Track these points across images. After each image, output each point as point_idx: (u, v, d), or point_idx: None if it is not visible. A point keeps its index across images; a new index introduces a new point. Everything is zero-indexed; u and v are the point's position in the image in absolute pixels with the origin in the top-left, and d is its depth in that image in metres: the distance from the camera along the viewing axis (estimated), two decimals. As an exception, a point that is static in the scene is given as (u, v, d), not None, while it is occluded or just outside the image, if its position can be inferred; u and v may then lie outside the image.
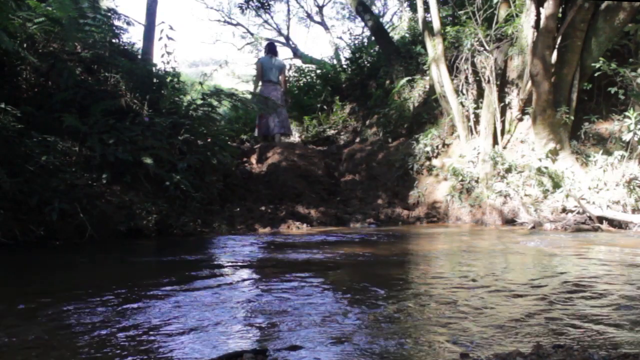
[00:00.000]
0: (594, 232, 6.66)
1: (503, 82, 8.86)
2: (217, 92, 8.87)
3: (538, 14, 7.79)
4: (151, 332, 2.60)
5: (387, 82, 11.83)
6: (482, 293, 3.38)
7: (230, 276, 4.20)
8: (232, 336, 2.55)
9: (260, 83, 10.65)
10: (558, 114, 7.79)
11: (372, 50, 13.52)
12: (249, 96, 9.21)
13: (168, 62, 8.49)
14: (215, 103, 8.52)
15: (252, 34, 22.64)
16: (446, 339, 2.45)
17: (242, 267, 4.60)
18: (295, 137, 12.68)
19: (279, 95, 10.67)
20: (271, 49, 11.00)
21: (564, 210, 7.23)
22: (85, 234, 5.86)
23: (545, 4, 7.57)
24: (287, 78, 10.60)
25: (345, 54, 16.56)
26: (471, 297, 3.25)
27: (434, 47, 9.36)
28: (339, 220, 7.92)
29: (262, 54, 14.62)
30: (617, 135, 7.68)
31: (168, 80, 8.28)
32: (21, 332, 2.61)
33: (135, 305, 3.10)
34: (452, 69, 9.20)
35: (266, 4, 17.10)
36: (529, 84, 8.00)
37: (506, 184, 7.84)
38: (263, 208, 7.92)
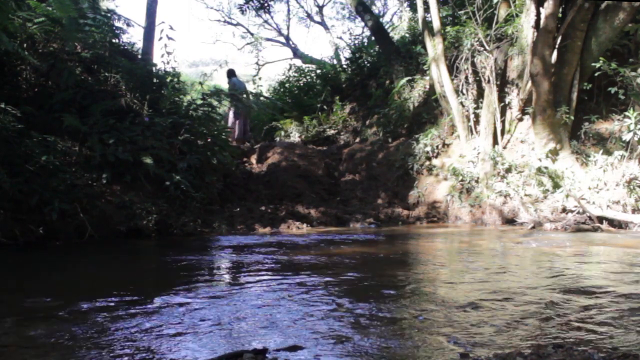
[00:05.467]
0: (594, 232, 6.66)
1: (503, 82, 8.86)
2: (217, 92, 8.88)
3: (538, 14, 7.79)
4: (151, 332, 2.60)
5: (387, 82, 11.83)
6: (482, 293, 3.38)
7: (230, 277, 4.20)
8: (232, 336, 2.55)
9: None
10: (558, 114, 7.79)
11: (372, 50, 13.52)
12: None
13: (168, 62, 8.50)
14: (215, 103, 8.52)
15: (252, 34, 22.63)
16: (446, 339, 2.45)
17: (242, 267, 4.60)
18: (295, 137, 12.69)
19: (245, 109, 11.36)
20: (234, 73, 11.63)
21: (564, 210, 7.23)
22: (85, 234, 5.86)
23: (545, 4, 7.57)
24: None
25: (345, 54, 16.57)
26: (471, 297, 3.25)
27: (434, 47, 9.36)
28: (339, 220, 7.92)
29: (262, 54, 15.04)
30: (617, 135, 7.68)
31: (168, 80, 8.28)
32: (21, 332, 2.61)
33: (135, 306, 3.10)
34: (452, 69, 9.20)
35: (266, 5, 17.08)
36: (529, 84, 8.00)
37: (506, 184, 7.84)
38: (263, 208, 7.92)
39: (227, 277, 4.14)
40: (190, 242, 6.06)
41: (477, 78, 8.99)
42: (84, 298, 3.26)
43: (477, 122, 8.86)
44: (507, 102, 8.73)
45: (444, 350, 2.31)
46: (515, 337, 2.48)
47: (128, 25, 8.99)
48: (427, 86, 10.33)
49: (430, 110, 10.15)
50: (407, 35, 13.25)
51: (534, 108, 7.83)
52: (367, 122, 11.85)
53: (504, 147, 8.41)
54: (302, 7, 22.87)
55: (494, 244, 5.93)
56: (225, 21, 23.06)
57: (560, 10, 7.91)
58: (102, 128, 6.71)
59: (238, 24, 22.86)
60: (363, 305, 3.09)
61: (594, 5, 7.65)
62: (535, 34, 7.77)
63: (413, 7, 12.92)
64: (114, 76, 7.81)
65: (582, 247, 5.49)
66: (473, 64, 8.95)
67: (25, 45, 6.92)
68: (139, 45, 10.96)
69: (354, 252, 5.27)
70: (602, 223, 6.90)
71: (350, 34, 20.59)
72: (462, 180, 8.38)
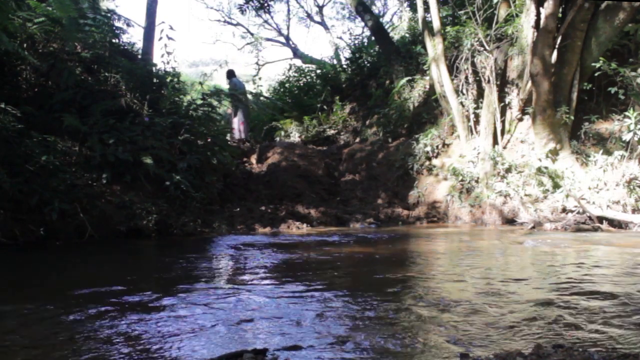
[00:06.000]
0: (594, 232, 6.65)
1: (503, 82, 8.86)
2: (217, 92, 8.88)
3: (538, 14, 7.79)
4: (151, 332, 2.60)
5: (387, 82, 11.83)
6: (482, 293, 3.38)
7: (230, 277, 4.20)
8: (232, 336, 2.55)
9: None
10: (558, 114, 7.79)
11: (372, 50, 13.52)
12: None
13: (168, 62, 8.50)
14: (215, 103, 8.52)
15: (252, 34, 22.62)
16: (446, 339, 2.45)
17: (241, 267, 4.60)
18: (295, 137, 12.69)
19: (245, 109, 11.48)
20: (234, 74, 11.64)
21: (564, 210, 7.23)
22: (85, 234, 5.86)
23: (545, 4, 7.57)
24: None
25: (345, 54, 16.57)
26: (471, 298, 3.25)
27: (434, 47, 9.36)
28: (339, 220, 7.92)
29: (262, 54, 15.19)
30: (617, 135, 7.67)
31: (168, 80, 8.28)
32: (22, 332, 2.61)
33: (134, 306, 3.10)
34: (452, 69, 9.20)
35: (266, 5, 17.09)
36: (529, 83, 8.00)
37: (506, 184, 7.84)
38: (263, 208, 7.92)
39: (227, 277, 4.14)
40: (190, 242, 6.06)
41: (477, 78, 8.99)
42: (84, 298, 3.27)
43: (477, 122, 8.85)
44: (507, 102, 8.73)
45: (444, 350, 2.31)
46: (515, 337, 2.48)
47: (128, 25, 9.00)
48: (427, 86, 10.33)
49: (430, 110, 10.15)
50: (407, 35, 13.25)
51: (534, 108, 7.83)
52: (367, 122, 11.85)
53: (504, 147, 8.41)
54: (302, 7, 22.89)
55: (494, 244, 5.93)
56: (225, 21, 23.06)
57: (560, 10, 7.91)
58: (102, 128, 6.70)
59: (238, 24, 22.87)
60: (363, 305, 3.09)
61: (594, 5, 7.65)
62: (535, 34, 7.76)
63: (413, 7, 12.92)
64: (114, 76, 7.81)
65: (582, 247, 5.49)
66: (473, 64, 8.95)
67: (25, 45, 6.92)
68: (139, 45, 10.95)
69: (354, 252, 5.27)
70: (602, 223, 6.90)
71: (350, 34, 20.60)
72: (462, 180, 8.38)
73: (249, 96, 11.22)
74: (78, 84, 7.20)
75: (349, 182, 9.69)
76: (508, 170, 7.98)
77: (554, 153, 7.77)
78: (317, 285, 3.62)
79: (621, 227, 6.88)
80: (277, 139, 12.81)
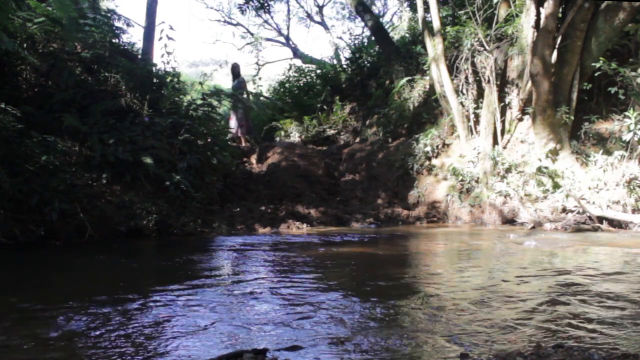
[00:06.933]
0: (594, 232, 6.66)
1: (503, 82, 8.85)
2: (217, 92, 8.88)
3: (538, 14, 7.79)
4: (151, 332, 2.60)
5: (387, 82, 11.82)
6: (482, 293, 3.38)
7: (230, 277, 4.20)
8: (232, 336, 2.55)
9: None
10: (558, 114, 7.79)
11: (372, 50, 13.51)
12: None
13: (168, 62, 8.49)
14: (215, 103, 8.52)
15: (252, 34, 22.59)
16: (446, 339, 2.45)
17: (241, 267, 4.60)
18: (295, 137, 12.69)
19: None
20: (239, 70, 11.75)
21: (564, 210, 7.23)
22: (85, 234, 5.86)
23: (545, 4, 7.57)
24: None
25: (345, 54, 16.56)
26: (471, 298, 3.25)
27: (434, 47, 9.36)
28: (339, 220, 7.91)
29: (262, 54, 15.35)
30: (617, 135, 7.67)
31: (168, 80, 8.28)
32: (22, 331, 2.61)
33: (135, 306, 3.10)
34: (452, 69, 9.20)
35: (266, 5, 17.08)
36: (529, 83, 8.00)
37: (506, 184, 7.83)
38: (263, 208, 7.92)
39: (227, 278, 4.14)
40: (190, 242, 6.06)
41: (477, 78, 8.98)
42: (84, 298, 3.27)
43: (477, 122, 8.85)
44: (507, 102, 8.72)
45: (444, 350, 2.31)
46: (515, 337, 2.48)
47: (128, 25, 8.99)
48: (427, 86, 10.33)
49: (430, 110, 10.15)
50: (407, 35, 13.23)
51: (534, 108, 7.83)
52: (367, 122, 11.84)
53: (504, 147, 8.41)
54: (302, 7, 22.84)
55: (493, 244, 5.93)
56: (225, 21, 23.04)
57: (560, 10, 7.91)
58: (102, 128, 6.70)
59: (238, 24, 22.84)
60: (363, 305, 3.09)
61: (594, 5, 7.65)
62: (535, 34, 7.76)
63: (413, 7, 12.90)
64: (114, 76, 7.81)
65: (582, 247, 5.49)
66: (473, 64, 8.95)
67: (25, 45, 6.92)
68: (139, 45, 10.94)
69: (353, 252, 5.27)
70: (602, 223, 6.90)
71: (350, 34, 20.55)
72: (462, 180, 8.38)
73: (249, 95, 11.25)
74: (78, 84, 7.20)
75: (349, 182, 9.69)
76: (508, 170, 7.97)
77: (554, 153, 7.77)
78: (317, 285, 3.62)
79: (621, 227, 6.88)
80: (277, 139, 12.81)
